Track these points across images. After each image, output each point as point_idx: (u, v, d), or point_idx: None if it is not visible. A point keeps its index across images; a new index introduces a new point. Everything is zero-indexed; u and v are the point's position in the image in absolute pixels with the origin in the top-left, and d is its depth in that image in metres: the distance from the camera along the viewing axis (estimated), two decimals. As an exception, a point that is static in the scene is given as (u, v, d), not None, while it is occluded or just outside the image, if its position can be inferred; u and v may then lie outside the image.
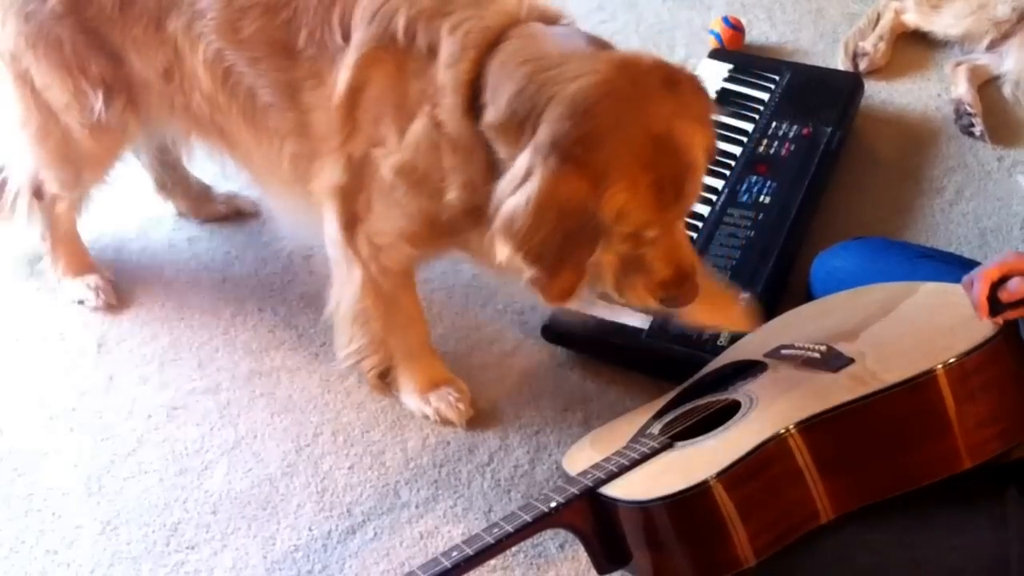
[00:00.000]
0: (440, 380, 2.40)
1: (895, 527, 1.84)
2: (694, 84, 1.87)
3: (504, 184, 1.82)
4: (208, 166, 2.79)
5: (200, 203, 2.85)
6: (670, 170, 1.78)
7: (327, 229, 2.21)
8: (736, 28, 3.23)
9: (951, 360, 1.79)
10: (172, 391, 2.50)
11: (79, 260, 2.69)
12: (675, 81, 1.83)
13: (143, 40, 2.21)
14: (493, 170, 1.90)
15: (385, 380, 2.43)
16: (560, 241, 1.79)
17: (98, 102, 2.31)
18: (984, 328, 1.84)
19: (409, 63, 1.95)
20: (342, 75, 2.00)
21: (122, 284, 2.71)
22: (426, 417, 2.38)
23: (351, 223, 2.16)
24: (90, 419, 2.45)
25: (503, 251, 1.83)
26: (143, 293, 2.70)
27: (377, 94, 2.00)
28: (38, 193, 2.57)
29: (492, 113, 1.85)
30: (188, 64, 2.20)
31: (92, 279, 2.66)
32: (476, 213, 1.96)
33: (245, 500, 2.29)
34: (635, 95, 1.79)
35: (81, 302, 2.66)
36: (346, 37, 2.00)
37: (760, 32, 3.35)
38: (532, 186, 1.76)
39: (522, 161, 1.79)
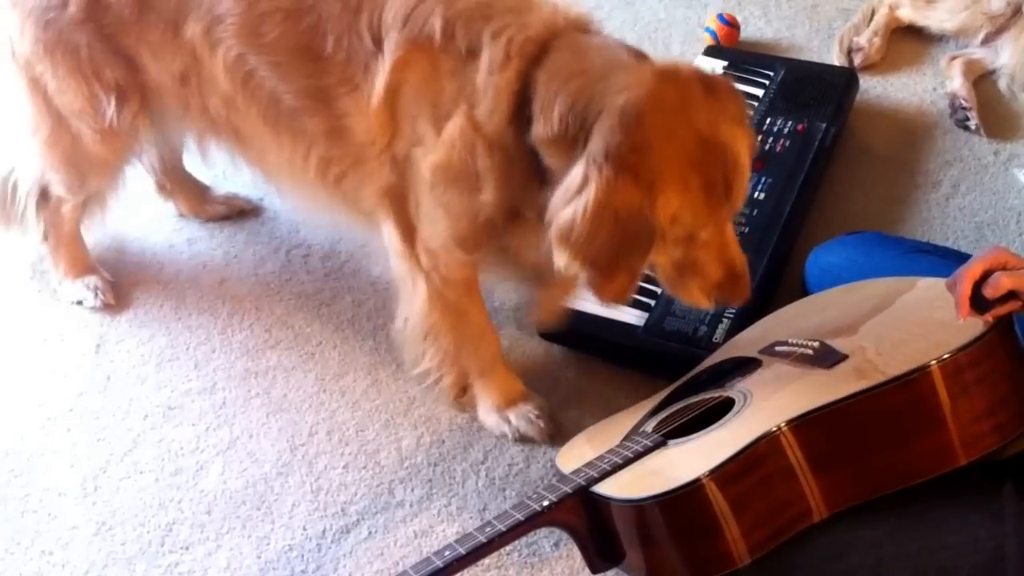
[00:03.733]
0: (518, 396, 2.37)
1: (890, 523, 1.83)
2: (729, 88, 1.91)
3: (558, 196, 1.85)
4: (207, 167, 2.79)
5: (200, 203, 2.86)
6: (718, 170, 1.83)
7: (388, 243, 2.21)
8: (731, 25, 3.22)
9: (945, 356, 1.79)
10: (168, 391, 2.50)
11: (80, 262, 2.70)
12: (713, 86, 1.87)
13: (159, 45, 2.23)
14: (533, 175, 1.93)
15: (462, 398, 2.40)
16: (616, 247, 1.83)
17: (110, 107, 2.32)
18: (978, 324, 1.84)
19: (445, 62, 1.97)
20: (379, 79, 2.02)
21: (121, 285, 2.72)
22: (504, 435, 2.36)
23: (409, 233, 2.16)
24: (87, 419, 2.46)
25: (560, 259, 1.86)
26: (142, 293, 2.71)
27: (414, 94, 2.01)
28: (43, 195, 2.58)
29: (542, 127, 1.88)
30: (206, 68, 2.21)
31: (92, 280, 2.67)
32: (512, 213, 2.01)
33: (240, 500, 2.30)
34: (679, 103, 1.83)
35: (80, 303, 2.67)
36: (376, 42, 2.02)
37: (755, 28, 3.34)
38: (588, 195, 1.79)
39: (576, 172, 1.82)
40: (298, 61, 2.11)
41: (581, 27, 1.99)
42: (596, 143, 1.80)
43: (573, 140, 1.85)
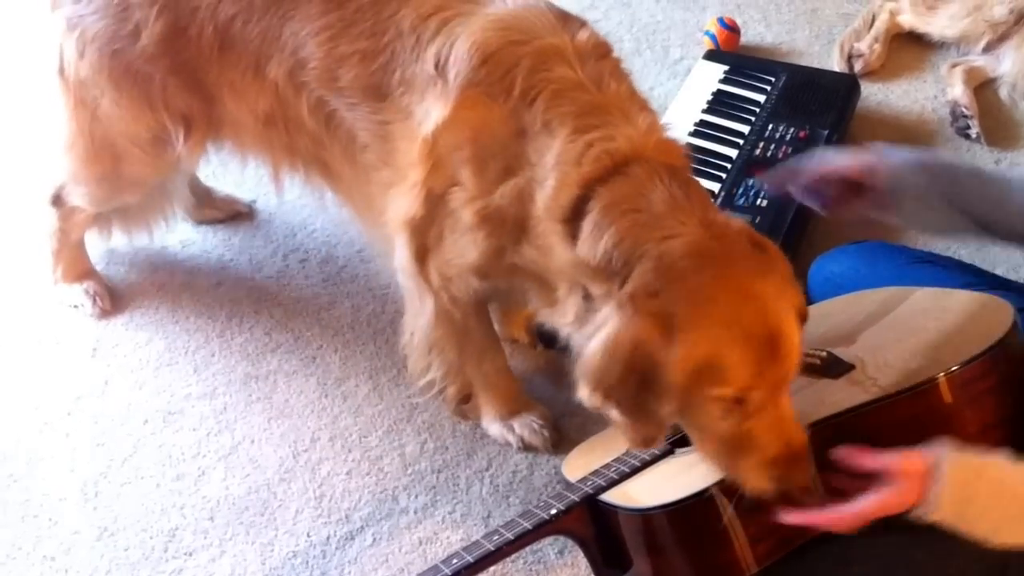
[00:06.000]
0: (522, 405, 2.37)
1: (898, 532, 1.83)
2: (776, 248, 1.83)
3: (587, 330, 1.81)
4: (202, 167, 2.77)
5: (199, 206, 2.84)
6: (759, 326, 1.71)
7: (398, 259, 2.18)
8: (731, 29, 3.22)
9: (953, 368, 1.79)
10: (168, 396, 2.49)
11: (79, 266, 2.68)
12: (762, 244, 1.80)
13: (241, 85, 2.20)
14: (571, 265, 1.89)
15: (465, 407, 2.40)
16: (634, 389, 1.74)
17: (179, 139, 2.31)
18: (984, 335, 1.84)
19: (515, 122, 1.91)
20: (436, 109, 1.97)
21: (116, 288, 2.71)
22: (508, 444, 2.36)
23: (422, 254, 2.13)
24: (86, 424, 2.44)
25: (582, 391, 1.79)
26: (138, 297, 2.69)
27: (471, 135, 1.95)
28: (56, 201, 2.57)
29: (585, 251, 1.83)
30: (292, 109, 2.18)
31: (90, 285, 2.66)
32: (536, 274, 1.99)
33: (243, 506, 2.28)
34: (721, 253, 1.75)
35: (77, 307, 2.65)
36: (440, 71, 1.97)
37: (755, 33, 3.35)
38: (606, 332, 1.74)
39: (604, 310, 1.78)
40: (367, 100, 2.08)
41: (669, 158, 1.90)
42: (629, 284, 1.75)
43: (612, 276, 1.79)
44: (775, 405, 1.73)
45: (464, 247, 2.05)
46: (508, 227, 1.97)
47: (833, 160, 2.06)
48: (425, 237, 2.10)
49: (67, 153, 2.44)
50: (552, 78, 1.90)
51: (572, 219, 1.86)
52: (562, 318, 1.97)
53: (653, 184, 1.83)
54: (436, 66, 1.97)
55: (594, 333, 1.78)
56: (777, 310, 1.72)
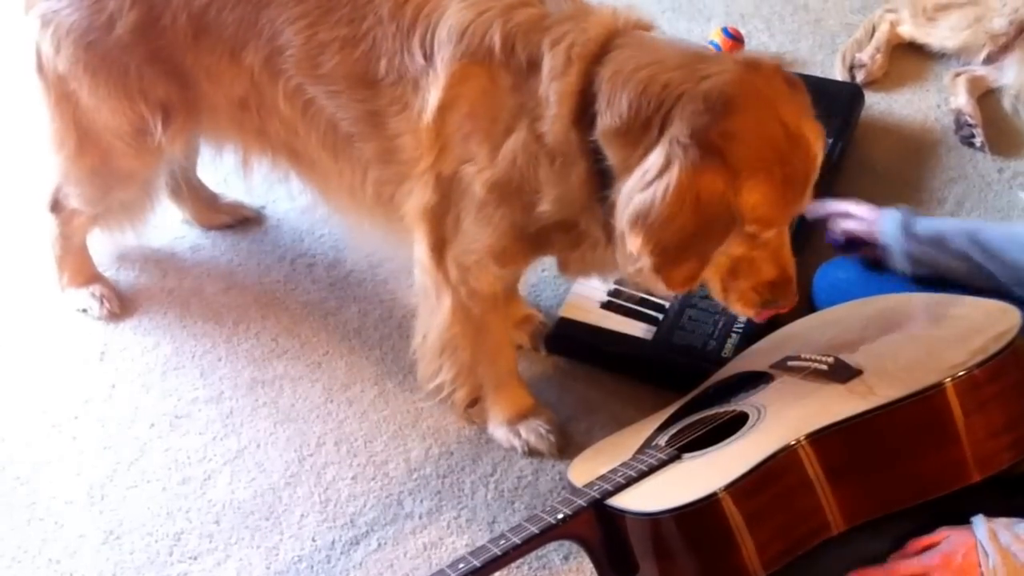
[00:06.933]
0: (528, 410, 2.37)
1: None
2: (801, 82, 1.90)
3: (633, 181, 1.81)
4: (213, 173, 2.79)
5: (207, 211, 2.85)
6: (800, 168, 1.81)
7: (416, 254, 2.20)
8: (735, 39, 3.22)
9: (961, 373, 1.80)
10: (175, 400, 2.49)
11: (85, 270, 2.69)
12: (792, 80, 1.87)
13: (216, 69, 2.22)
14: (593, 181, 1.92)
15: (471, 410, 2.40)
16: (691, 233, 1.79)
17: (158, 127, 2.32)
18: (993, 339, 1.85)
19: (505, 77, 1.96)
20: (432, 95, 2.01)
21: (124, 292, 2.71)
22: (514, 449, 2.35)
23: (440, 247, 2.15)
24: (92, 427, 2.45)
25: (633, 243, 1.81)
26: (145, 301, 2.70)
27: (468, 110, 2.00)
28: (55, 206, 2.57)
29: (609, 119, 1.86)
30: (267, 95, 2.21)
31: (96, 288, 2.66)
32: (565, 226, 2.01)
33: (248, 510, 2.29)
34: (767, 93, 1.81)
35: (85, 311, 2.66)
36: (428, 58, 2.01)
37: (759, 42, 3.35)
38: (671, 176, 1.75)
39: (656, 156, 1.79)
40: (353, 89, 2.10)
41: (642, 27, 1.98)
42: (679, 125, 1.77)
43: (645, 126, 1.82)
44: (782, 235, 1.86)
45: (480, 228, 2.06)
46: (516, 190, 1.98)
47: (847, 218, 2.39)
48: (442, 226, 2.11)
49: (57, 152, 2.45)
50: (521, 20, 1.96)
51: (583, 113, 1.89)
52: (591, 250, 2.00)
53: (650, 45, 1.91)
54: (425, 56, 2.01)
55: (646, 183, 1.78)
56: (816, 151, 1.82)
